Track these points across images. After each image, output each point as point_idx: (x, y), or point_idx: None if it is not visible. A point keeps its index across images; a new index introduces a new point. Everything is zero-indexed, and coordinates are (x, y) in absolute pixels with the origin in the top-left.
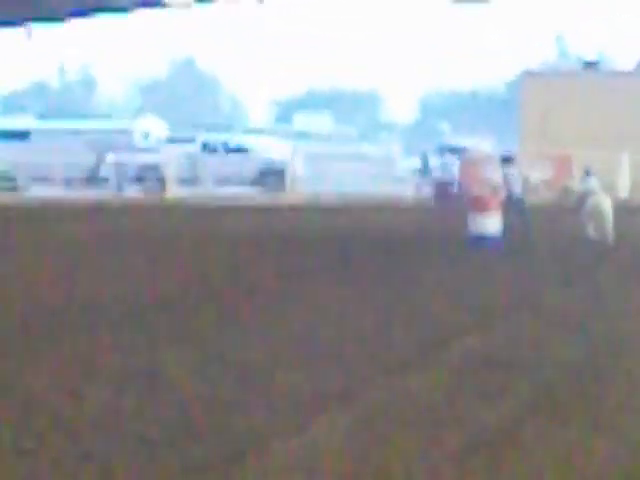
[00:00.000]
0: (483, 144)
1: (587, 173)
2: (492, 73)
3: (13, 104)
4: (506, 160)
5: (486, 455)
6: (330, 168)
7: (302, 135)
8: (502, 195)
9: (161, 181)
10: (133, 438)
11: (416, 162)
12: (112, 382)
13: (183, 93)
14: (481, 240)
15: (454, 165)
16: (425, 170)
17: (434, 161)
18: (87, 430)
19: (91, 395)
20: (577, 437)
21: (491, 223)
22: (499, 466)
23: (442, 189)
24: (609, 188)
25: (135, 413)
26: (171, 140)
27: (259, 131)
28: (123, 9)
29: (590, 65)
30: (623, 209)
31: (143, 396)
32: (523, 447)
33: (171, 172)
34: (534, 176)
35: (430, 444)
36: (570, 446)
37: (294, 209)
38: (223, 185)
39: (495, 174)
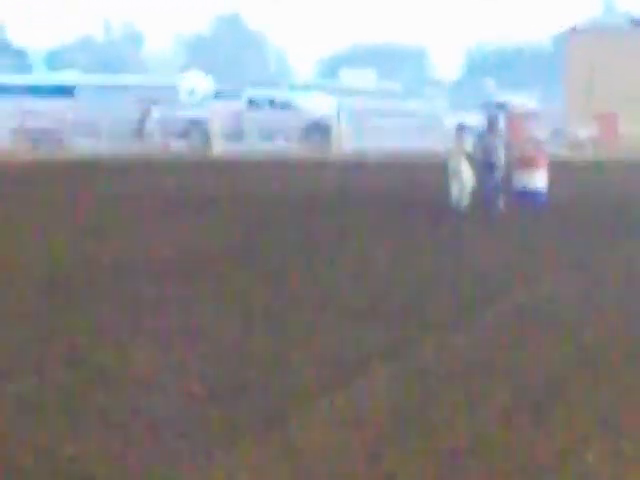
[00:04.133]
0: (528, 101)
1: (460, 128)
2: (538, 29)
3: (59, 59)
4: (490, 128)
5: (533, 410)
6: (375, 124)
7: (347, 91)
8: (546, 152)
9: (206, 136)
10: (179, 394)
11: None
12: (157, 338)
13: (229, 49)
14: (528, 195)
15: (500, 121)
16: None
17: (478, 117)
18: (132, 386)
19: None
20: (624, 392)
21: (538, 178)
22: (546, 421)
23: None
24: None
25: (181, 369)
26: (217, 96)
27: (304, 87)
28: None
29: (638, 22)
30: None
31: (188, 352)
32: (568, 403)
33: (216, 127)
34: (579, 133)
35: (476, 399)
36: (614, 400)
37: (340, 164)
38: (268, 141)
39: (540, 130)
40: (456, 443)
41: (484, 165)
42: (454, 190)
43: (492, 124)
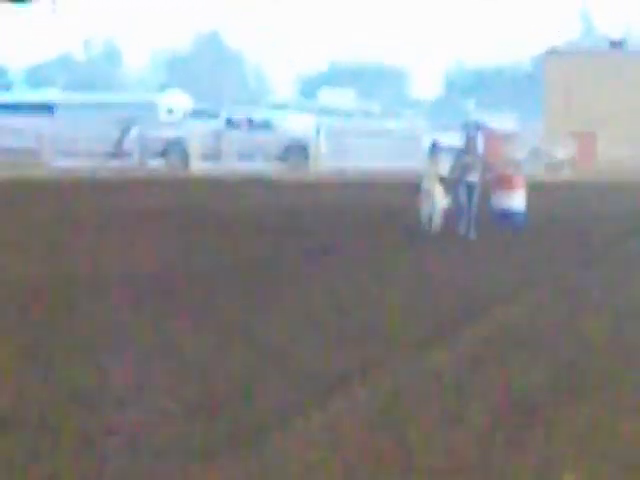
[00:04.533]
0: (507, 121)
1: (434, 147)
2: (517, 50)
3: (38, 77)
4: (467, 148)
5: (510, 431)
6: (354, 144)
7: (326, 111)
8: (524, 172)
9: (185, 155)
10: (155, 411)
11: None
12: (133, 355)
13: (208, 67)
14: (506, 216)
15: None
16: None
17: (457, 137)
18: (109, 404)
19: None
20: (601, 417)
21: (516, 199)
22: (523, 443)
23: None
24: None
25: (158, 387)
26: (195, 115)
27: (283, 106)
28: None
29: (616, 44)
30: None
31: (164, 370)
32: (546, 423)
33: (195, 147)
34: (557, 154)
35: (453, 420)
36: (593, 426)
37: (317, 185)
38: (247, 160)
39: (518, 151)
40: (434, 463)
41: (461, 185)
42: (424, 211)
43: (470, 144)
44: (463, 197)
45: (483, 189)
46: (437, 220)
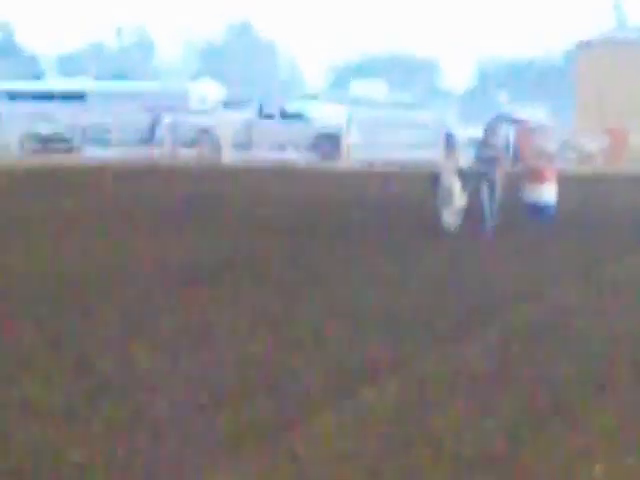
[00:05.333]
0: (539, 114)
1: (449, 138)
2: (549, 42)
3: (71, 65)
4: (487, 139)
5: (536, 423)
6: (385, 135)
7: (358, 101)
8: (555, 165)
9: (216, 145)
10: (183, 401)
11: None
12: (162, 344)
13: (240, 57)
14: (538, 209)
15: (510, 134)
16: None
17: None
18: (137, 393)
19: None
20: (630, 407)
21: (547, 192)
22: (549, 436)
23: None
24: None
25: (185, 376)
26: (227, 104)
27: (315, 97)
28: None
29: None
30: None
31: (193, 359)
32: (574, 420)
33: (226, 136)
34: (589, 146)
35: (482, 412)
36: (620, 415)
37: (349, 175)
38: (279, 150)
39: (549, 144)
40: (461, 455)
41: (480, 178)
42: (445, 214)
43: (489, 135)
44: (484, 193)
45: (514, 182)
46: (457, 218)
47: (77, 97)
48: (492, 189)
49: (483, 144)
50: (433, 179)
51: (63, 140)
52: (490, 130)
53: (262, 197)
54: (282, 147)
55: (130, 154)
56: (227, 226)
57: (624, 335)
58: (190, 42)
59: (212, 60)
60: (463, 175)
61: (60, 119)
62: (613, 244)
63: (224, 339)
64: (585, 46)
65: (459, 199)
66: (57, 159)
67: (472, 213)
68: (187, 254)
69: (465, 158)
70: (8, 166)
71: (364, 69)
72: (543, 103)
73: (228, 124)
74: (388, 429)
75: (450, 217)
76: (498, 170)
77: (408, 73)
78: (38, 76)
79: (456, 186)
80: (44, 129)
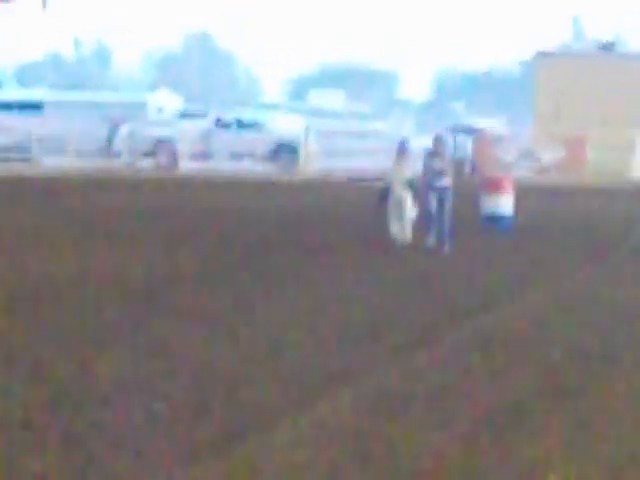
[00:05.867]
0: (496, 124)
1: (402, 147)
2: (507, 53)
3: (28, 75)
4: (435, 150)
5: (494, 435)
6: (342, 144)
7: (316, 112)
8: (513, 175)
9: (174, 155)
10: (140, 410)
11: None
12: (121, 354)
13: (198, 67)
14: (494, 220)
15: (467, 144)
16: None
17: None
18: (94, 403)
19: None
20: (587, 415)
21: (504, 203)
22: (505, 447)
23: (457, 166)
24: (623, 169)
25: (143, 386)
26: (185, 114)
27: (273, 107)
28: None
29: (606, 47)
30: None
31: (151, 368)
32: (529, 429)
33: (184, 146)
34: (546, 157)
35: (437, 422)
36: (578, 423)
37: (304, 186)
38: (236, 161)
39: (507, 154)
40: (418, 464)
41: (430, 191)
42: (393, 225)
43: (438, 145)
44: (433, 204)
45: (472, 192)
46: (408, 230)
47: (34, 107)
48: (442, 202)
49: (431, 155)
50: (383, 191)
51: (21, 150)
52: (438, 141)
53: (216, 210)
54: (240, 157)
55: (88, 164)
56: (174, 241)
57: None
58: (147, 52)
59: (169, 70)
60: (412, 186)
61: (17, 129)
62: (566, 258)
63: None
64: (543, 56)
65: (410, 211)
66: (15, 169)
67: (422, 225)
68: (136, 268)
69: (416, 168)
70: None
71: (321, 79)
72: (500, 113)
73: (185, 134)
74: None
75: (400, 230)
76: (448, 181)
77: (365, 84)
78: None
79: (407, 198)
80: (2, 139)
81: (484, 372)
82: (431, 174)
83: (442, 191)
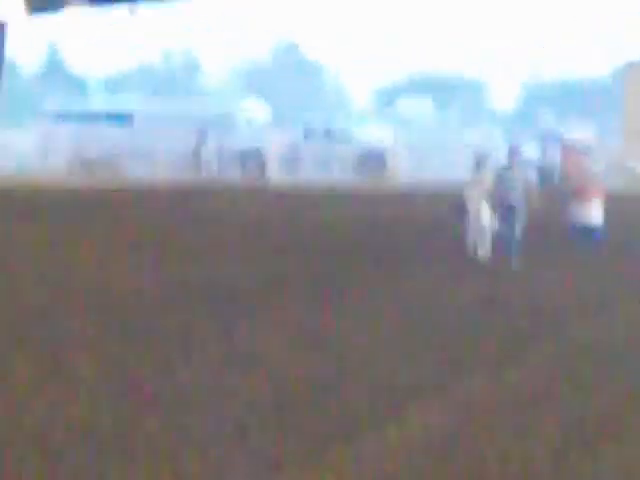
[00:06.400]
0: (587, 133)
1: (479, 159)
2: (599, 63)
3: (118, 86)
4: (510, 162)
5: (583, 446)
6: (431, 155)
7: (404, 121)
8: (602, 186)
9: (262, 165)
10: (228, 419)
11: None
12: (210, 364)
13: (286, 78)
14: (583, 230)
15: (556, 153)
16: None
17: (536, 149)
18: (182, 412)
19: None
20: None
21: (593, 213)
22: (596, 457)
23: (546, 175)
24: None
25: (231, 395)
26: (273, 124)
27: (361, 116)
28: None
29: None
30: None
31: (241, 379)
32: (618, 440)
33: (272, 157)
34: (638, 168)
35: (527, 433)
36: None
37: (391, 197)
38: (324, 171)
39: (595, 164)
40: (505, 477)
41: (502, 206)
42: (470, 238)
43: (512, 157)
44: (504, 220)
45: (560, 202)
46: (486, 245)
47: (124, 118)
48: (512, 217)
49: (504, 168)
50: (459, 207)
51: (110, 162)
52: (512, 152)
53: (306, 220)
54: (328, 167)
55: (177, 176)
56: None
57: None
58: (236, 63)
59: (258, 81)
60: (491, 198)
61: (107, 141)
62: None
63: None
64: (633, 66)
65: (489, 227)
66: (103, 181)
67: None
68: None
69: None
70: (55, 186)
71: (410, 89)
72: (590, 123)
73: (274, 145)
74: None
75: (479, 244)
76: (520, 196)
77: (454, 92)
78: (86, 97)
79: (485, 211)
80: (91, 150)
81: (577, 383)
82: (502, 188)
83: (512, 206)
